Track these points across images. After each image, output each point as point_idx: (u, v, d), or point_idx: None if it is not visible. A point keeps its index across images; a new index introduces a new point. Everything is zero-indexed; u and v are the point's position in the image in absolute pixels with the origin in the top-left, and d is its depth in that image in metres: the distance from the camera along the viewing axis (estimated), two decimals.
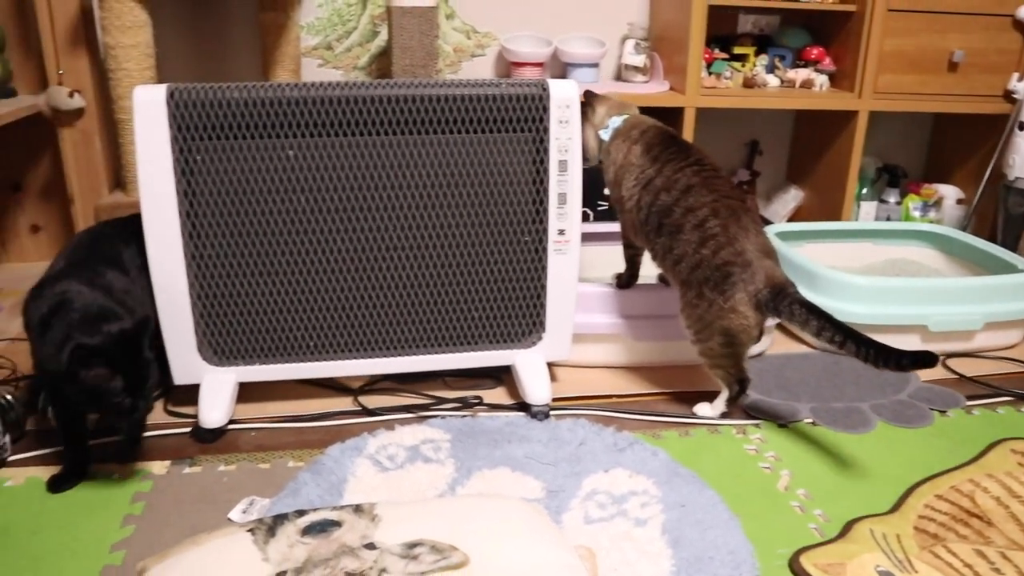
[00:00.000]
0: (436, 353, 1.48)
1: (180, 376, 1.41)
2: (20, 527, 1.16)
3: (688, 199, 1.42)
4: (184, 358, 1.40)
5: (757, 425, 1.49)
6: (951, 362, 1.76)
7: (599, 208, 2.19)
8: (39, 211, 2.12)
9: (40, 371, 1.20)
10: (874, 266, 2.13)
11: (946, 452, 1.41)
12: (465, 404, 1.52)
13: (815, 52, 2.34)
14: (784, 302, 1.36)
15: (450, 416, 1.46)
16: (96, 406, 1.18)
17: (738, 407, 1.52)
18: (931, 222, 2.38)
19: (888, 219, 2.52)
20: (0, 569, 1.08)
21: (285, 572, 0.90)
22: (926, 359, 1.28)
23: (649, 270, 1.62)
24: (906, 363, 1.30)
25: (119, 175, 1.97)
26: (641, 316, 1.64)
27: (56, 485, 1.24)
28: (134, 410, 1.17)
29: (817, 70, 2.32)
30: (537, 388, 1.46)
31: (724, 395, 1.49)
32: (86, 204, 1.94)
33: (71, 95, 1.84)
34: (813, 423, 1.50)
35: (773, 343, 1.81)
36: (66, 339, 1.14)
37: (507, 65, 2.29)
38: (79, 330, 1.16)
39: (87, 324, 1.18)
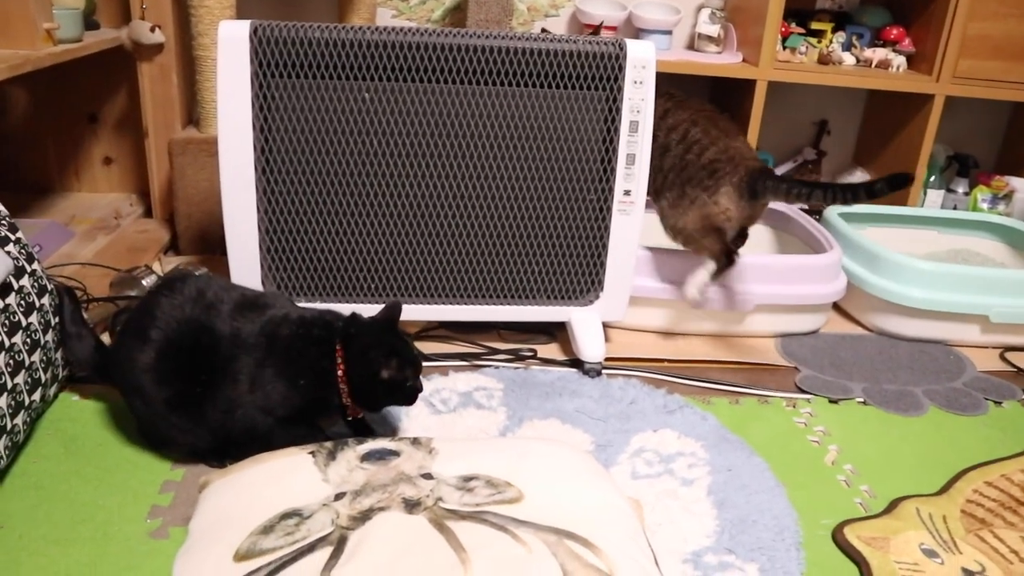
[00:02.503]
0: (493, 304, 1.50)
1: None
2: (87, 438, 1.21)
3: (667, 120, 1.57)
4: None
5: (808, 400, 1.48)
6: (1010, 355, 1.73)
7: None
8: (113, 143, 2.18)
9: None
10: (937, 254, 2.10)
11: (998, 442, 1.40)
12: (518, 356, 1.54)
13: (895, 32, 2.28)
14: (762, 182, 1.50)
15: (503, 367, 1.49)
16: (396, 399, 1.17)
17: (720, 281, 1.60)
18: (1000, 215, 2.32)
19: (955, 209, 2.47)
20: (70, 474, 1.13)
21: (344, 494, 0.93)
22: (899, 179, 1.36)
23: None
24: (879, 187, 1.38)
25: (193, 111, 2.02)
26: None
27: None
28: (419, 390, 1.18)
29: (895, 51, 2.26)
30: (591, 346, 1.47)
31: (710, 267, 1.55)
32: (159, 138, 1.99)
33: (152, 30, 1.88)
34: (864, 402, 1.49)
35: (828, 322, 1.80)
36: (368, 348, 1.14)
37: (580, 27, 2.28)
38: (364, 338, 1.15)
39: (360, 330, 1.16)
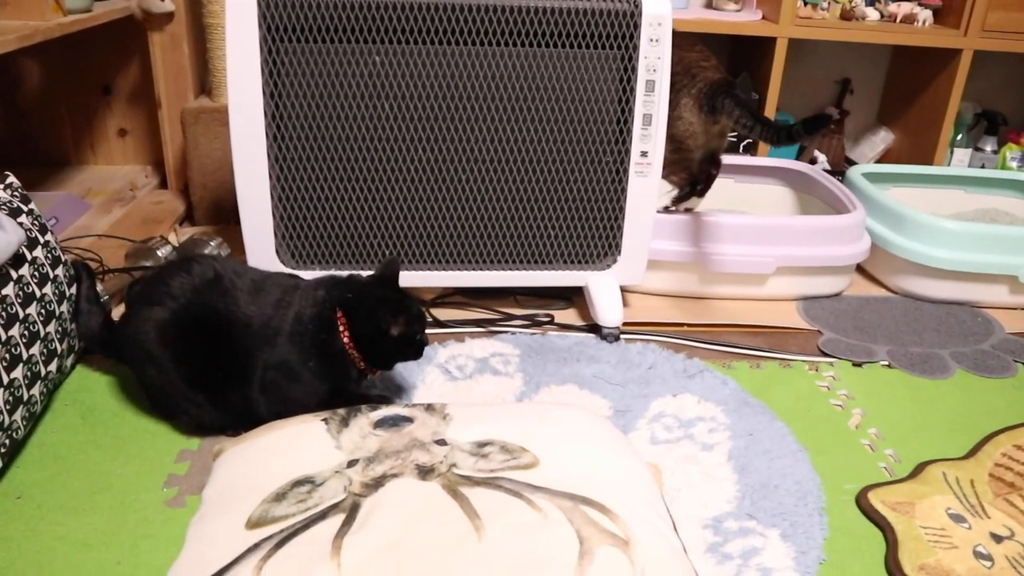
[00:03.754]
0: (510, 270, 1.49)
1: None
2: (103, 408, 1.21)
3: None
4: (262, 260, 1.43)
5: (831, 363, 1.46)
6: None
7: None
8: (127, 115, 2.17)
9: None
10: (964, 214, 2.05)
11: None
12: (535, 322, 1.52)
13: None
14: (720, 98, 1.46)
15: (520, 333, 1.47)
16: (406, 355, 1.17)
17: (680, 206, 1.65)
18: None
19: (983, 168, 2.41)
20: (87, 444, 1.13)
21: (357, 460, 0.92)
22: (819, 120, 1.37)
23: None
24: (796, 128, 1.41)
25: (205, 80, 2.00)
26: (718, 246, 1.61)
27: None
28: (426, 343, 1.18)
29: (921, 4, 2.20)
30: (609, 310, 1.45)
31: (674, 193, 1.60)
32: (172, 108, 1.98)
33: None
34: (889, 365, 1.46)
35: (851, 284, 1.77)
36: (373, 310, 1.13)
37: None
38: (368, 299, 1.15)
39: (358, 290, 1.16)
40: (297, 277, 1.20)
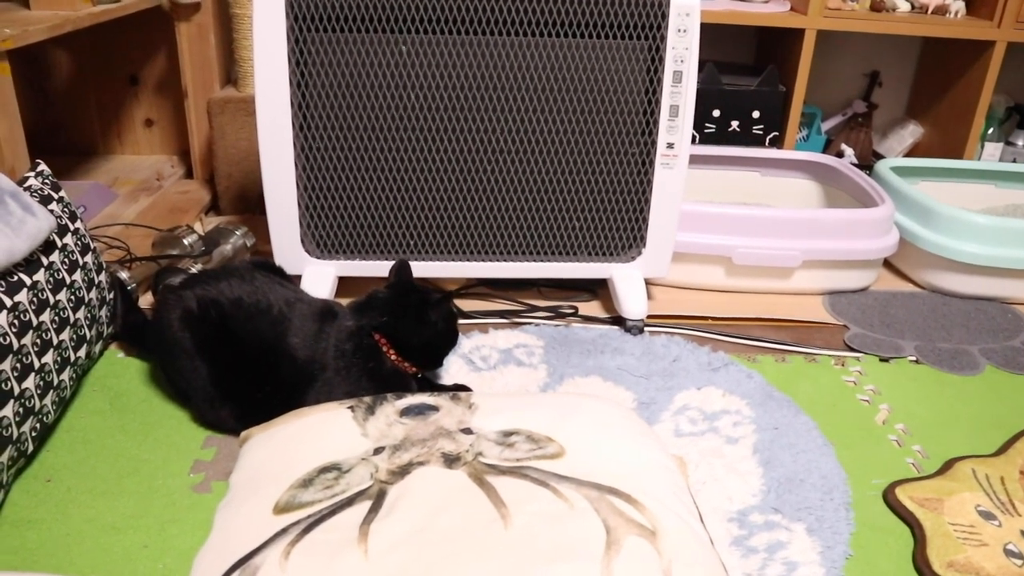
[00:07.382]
0: (534, 261, 1.48)
1: (283, 267, 1.45)
2: (132, 394, 1.22)
3: None
4: (288, 249, 1.43)
5: (857, 358, 1.44)
6: None
7: (706, 130, 2.12)
8: (153, 105, 2.18)
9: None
10: (994, 209, 2.02)
11: None
12: (559, 314, 1.52)
13: None
14: None
15: (544, 324, 1.47)
16: (452, 345, 1.22)
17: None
18: None
19: (1014, 162, 2.38)
20: (115, 429, 1.14)
21: (383, 448, 0.92)
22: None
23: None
24: None
25: (231, 71, 2.01)
26: (744, 239, 1.60)
27: None
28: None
29: None
30: (633, 302, 1.45)
31: None
32: (198, 99, 1.99)
33: None
34: (917, 361, 1.45)
35: (879, 279, 1.75)
36: (417, 307, 1.17)
37: None
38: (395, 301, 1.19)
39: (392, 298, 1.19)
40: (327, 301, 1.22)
